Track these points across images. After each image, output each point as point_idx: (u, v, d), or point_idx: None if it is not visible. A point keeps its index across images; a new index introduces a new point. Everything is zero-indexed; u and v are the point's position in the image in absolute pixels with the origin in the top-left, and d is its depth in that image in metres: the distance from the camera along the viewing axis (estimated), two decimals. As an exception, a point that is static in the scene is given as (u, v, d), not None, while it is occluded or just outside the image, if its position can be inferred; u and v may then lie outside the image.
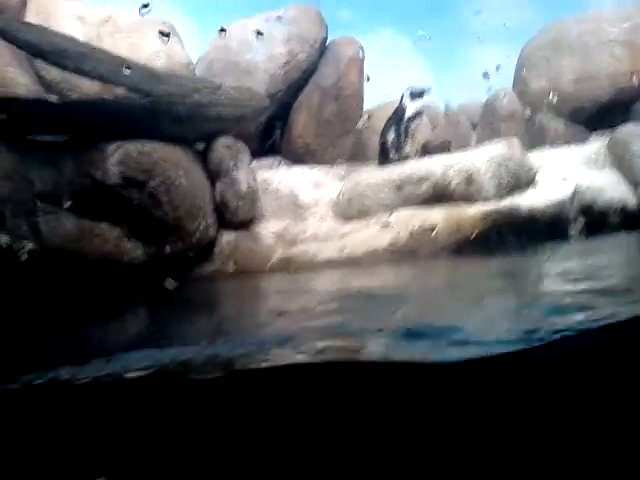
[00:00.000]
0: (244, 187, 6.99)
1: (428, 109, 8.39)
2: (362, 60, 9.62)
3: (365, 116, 9.49)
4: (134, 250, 6.28)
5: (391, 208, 6.81)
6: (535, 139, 8.64)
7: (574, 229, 6.44)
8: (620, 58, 9.75)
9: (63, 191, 6.30)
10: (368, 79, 8.85)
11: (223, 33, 9.50)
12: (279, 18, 9.54)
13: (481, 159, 7.05)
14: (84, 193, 6.29)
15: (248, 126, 7.98)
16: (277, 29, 9.53)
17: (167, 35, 5.24)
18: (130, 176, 6.36)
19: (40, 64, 7.67)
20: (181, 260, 6.38)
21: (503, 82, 10.43)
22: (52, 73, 7.72)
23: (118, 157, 6.41)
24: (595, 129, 9.07)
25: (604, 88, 9.59)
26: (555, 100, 9.16)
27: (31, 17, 8.23)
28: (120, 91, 7.42)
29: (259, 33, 9.09)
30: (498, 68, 8.29)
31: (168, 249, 6.35)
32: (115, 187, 6.28)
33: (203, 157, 7.18)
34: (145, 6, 5.01)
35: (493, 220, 6.36)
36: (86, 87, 7.61)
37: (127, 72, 6.69)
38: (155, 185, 6.42)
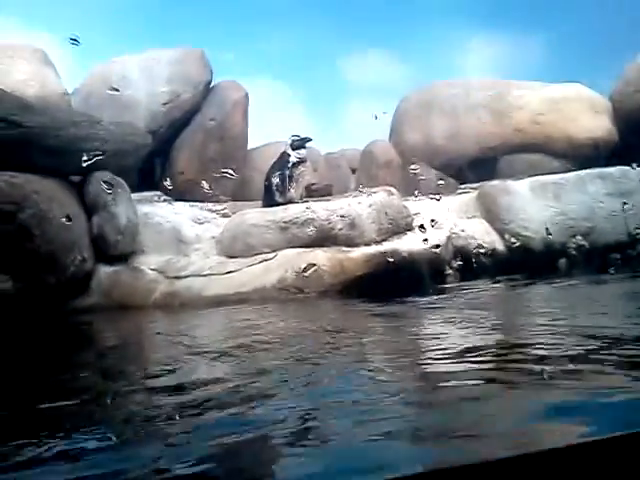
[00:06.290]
0: (123, 221, 6.72)
1: (310, 154, 8.55)
2: (247, 103, 9.72)
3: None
4: (2, 283, 5.78)
5: (275, 248, 6.79)
6: (410, 187, 9.04)
7: (450, 271, 6.77)
8: (485, 121, 10.58)
9: None
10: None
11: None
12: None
13: (362, 205, 7.27)
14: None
15: (128, 161, 7.72)
16: (160, 68, 9.42)
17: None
18: (-1, 208, 5.90)
19: None
20: (56, 293, 5.96)
21: (378, 134, 10.95)
22: None
23: (-15, 188, 5.94)
24: (463, 182, 9.69)
25: (470, 146, 10.34)
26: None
27: None
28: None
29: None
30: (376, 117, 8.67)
31: (40, 282, 5.91)
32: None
33: (79, 190, 6.83)
34: (74, 40, 4.76)
35: (375, 263, 6.49)
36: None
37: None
38: (26, 217, 6.01)
